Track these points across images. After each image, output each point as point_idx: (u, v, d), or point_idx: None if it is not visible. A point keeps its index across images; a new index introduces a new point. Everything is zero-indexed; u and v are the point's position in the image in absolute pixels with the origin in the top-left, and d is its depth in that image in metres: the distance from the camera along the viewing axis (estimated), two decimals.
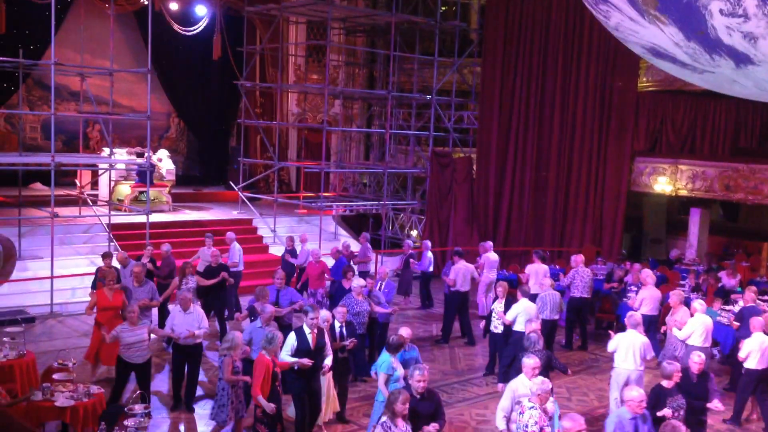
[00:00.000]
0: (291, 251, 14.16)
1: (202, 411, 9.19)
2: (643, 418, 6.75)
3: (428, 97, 19.67)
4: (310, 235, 17.34)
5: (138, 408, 7.46)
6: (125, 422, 7.13)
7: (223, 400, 8.03)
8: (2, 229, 14.71)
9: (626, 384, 8.95)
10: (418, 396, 6.72)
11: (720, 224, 20.04)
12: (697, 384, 8.00)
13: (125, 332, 8.70)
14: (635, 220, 20.11)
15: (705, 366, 8.16)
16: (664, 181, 17.39)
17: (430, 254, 15.01)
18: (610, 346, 9.26)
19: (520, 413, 6.65)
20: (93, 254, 14.69)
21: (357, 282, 10.55)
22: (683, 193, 17.44)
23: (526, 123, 18.71)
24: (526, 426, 6.48)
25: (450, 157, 19.42)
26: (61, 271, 13.72)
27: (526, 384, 7.03)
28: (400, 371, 7.86)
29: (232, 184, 20.18)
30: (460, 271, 12.94)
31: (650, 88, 17.83)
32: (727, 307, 12.09)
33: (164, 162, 19.10)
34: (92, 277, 11.79)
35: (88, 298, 12.06)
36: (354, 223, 20.67)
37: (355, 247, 15.67)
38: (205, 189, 22.35)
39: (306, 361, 7.99)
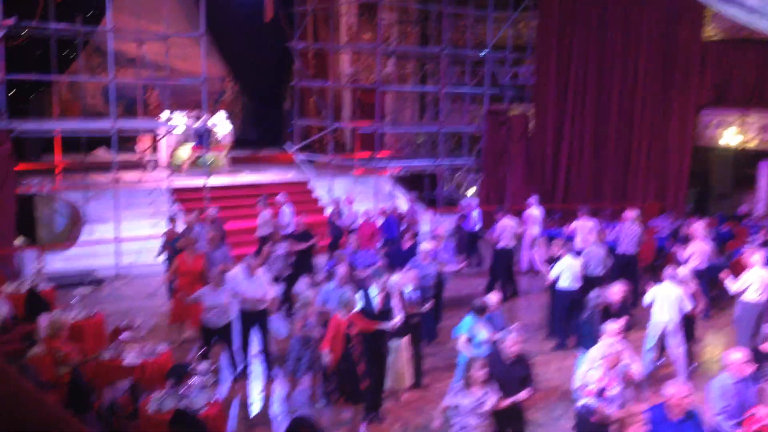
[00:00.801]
0: (338, 213, 14.13)
1: (275, 373, 9.28)
2: (747, 380, 6.34)
3: (483, 53, 19.28)
4: (365, 196, 17.39)
5: (202, 367, 7.65)
6: (190, 381, 7.32)
7: (293, 355, 8.18)
8: (69, 193, 15.16)
9: (663, 336, 9.04)
10: (510, 361, 6.59)
11: None
12: None
13: (207, 295, 8.80)
14: (701, 174, 19.46)
15: None
16: (731, 134, 16.78)
17: (476, 213, 14.87)
18: (646, 299, 9.27)
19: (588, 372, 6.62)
20: (155, 217, 15.02)
21: (424, 245, 10.43)
22: (751, 145, 16.79)
23: (585, 77, 18.20)
24: (587, 384, 6.43)
25: (506, 114, 19.09)
26: (126, 234, 14.08)
27: (602, 347, 6.88)
28: (483, 335, 7.74)
29: (288, 146, 20.29)
30: (503, 228, 12.92)
31: (716, 38, 17.09)
32: None
33: (221, 125, 19.29)
34: (156, 240, 12.05)
35: (152, 261, 12.43)
36: (410, 183, 20.58)
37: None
38: (261, 152, 22.53)
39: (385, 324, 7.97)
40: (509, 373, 6.51)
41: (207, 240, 10.74)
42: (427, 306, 9.23)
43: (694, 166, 18.01)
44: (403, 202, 15.94)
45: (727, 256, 12.68)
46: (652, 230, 14.32)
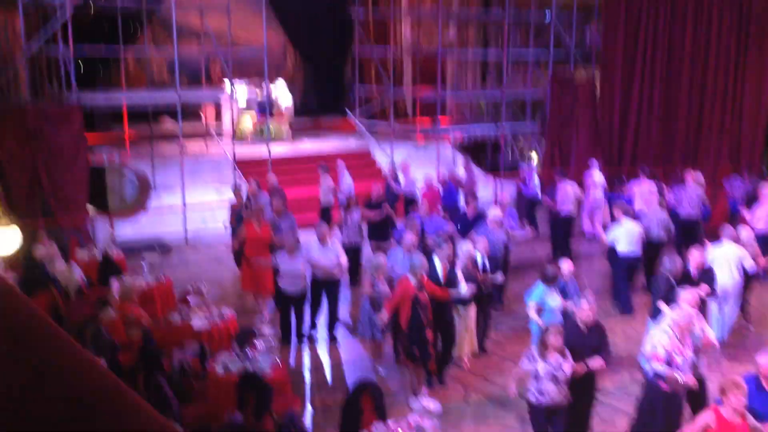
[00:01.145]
0: (394, 179, 14.02)
1: (342, 338, 9.44)
2: None
3: (547, 15, 18.77)
4: (427, 163, 17.28)
5: (267, 330, 7.79)
6: (256, 344, 7.45)
7: (364, 317, 8.24)
8: (137, 163, 15.55)
9: (724, 298, 8.88)
10: (585, 328, 6.48)
11: None
12: None
13: (283, 262, 8.87)
14: None
15: None
16: None
17: (536, 179, 14.63)
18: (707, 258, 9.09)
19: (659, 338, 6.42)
20: (220, 185, 15.28)
21: (493, 212, 10.26)
22: None
23: (655, 37, 17.52)
24: (655, 347, 6.25)
25: (571, 77, 18.59)
26: (192, 202, 14.37)
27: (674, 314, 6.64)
28: (554, 302, 7.65)
29: (349, 114, 20.28)
30: (564, 193, 12.79)
31: None
32: None
33: (282, 94, 19.40)
34: (221, 209, 12.22)
35: (219, 227, 12.66)
36: (472, 150, 20.34)
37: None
38: (322, 119, 22.60)
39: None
40: (584, 341, 6.38)
41: (273, 209, 10.71)
42: (500, 277, 9.08)
43: None
44: (461, 169, 15.73)
45: None
46: (725, 192, 13.78)
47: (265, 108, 16.39)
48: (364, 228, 11.37)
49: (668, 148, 17.68)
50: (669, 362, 6.20)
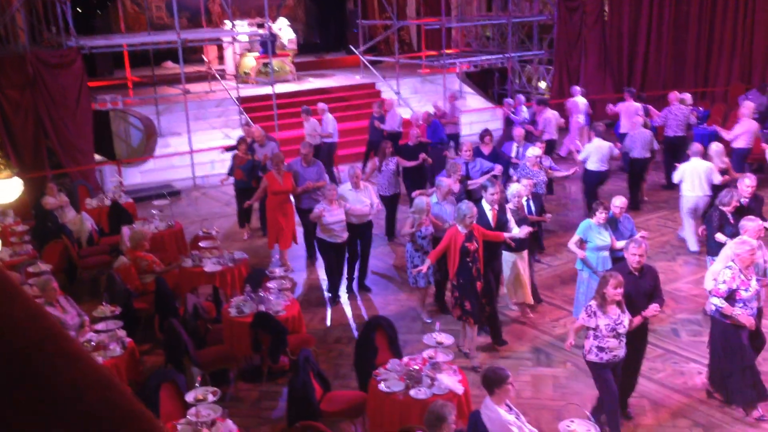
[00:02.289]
0: (379, 117, 13.42)
1: (377, 288, 9.27)
2: None
3: None
4: (434, 95, 17.04)
5: (279, 271, 7.82)
6: (268, 284, 7.50)
7: (409, 263, 8.09)
8: (140, 108, 15.42)
9: (695, 210, 9.38)
10: (636, 273, 6.00)
11: None
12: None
13: (328, 212, 8.54)
14: None
15: None
16: None
17: (525, 108, 14.37)
18: (676, 176, 9.54)
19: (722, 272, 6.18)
20: (226, 127, 15.17)
21: (532, 151, 9.69)
22: None
23: None
24: (718, 283, 6.09)
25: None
26: (199, 146, 14.30)
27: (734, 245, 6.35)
28: (600, 241, 7.32)
29: (353, 49, 19.93)
30: (549, 120, 13.04)
31: None
32: None
33: (284, 31, 19.02)
34: (228, 157, 11.97)
35: (226, 172, 12.58)
36: (479, 80, 20.02)
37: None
38: (326, 55, 22.25)
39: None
40: (637, 286, 5.92)
41: (302, 157, 9.91)
42: (548, 216, 8.78)
43: None
44: (441, 102, 14.83)
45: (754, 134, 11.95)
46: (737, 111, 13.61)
47: (268, 46, 16.08)
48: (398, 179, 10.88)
49: (679, 70, 17.32)
50: (731, 296, 5.99)
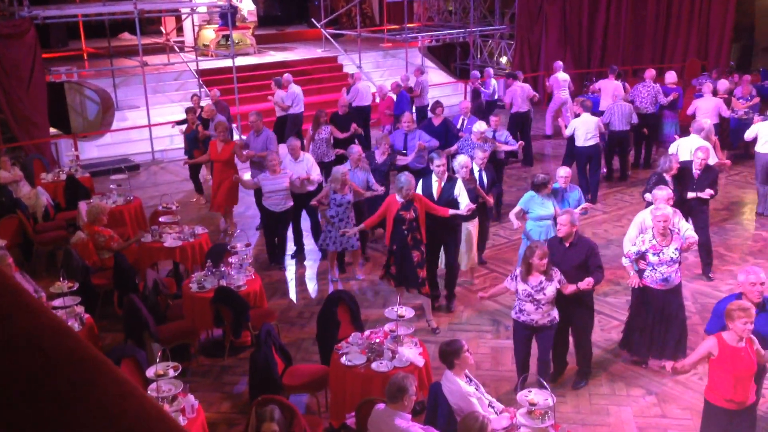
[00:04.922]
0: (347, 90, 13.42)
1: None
2: None
3: None
4: (396, 70, 16.99)
5: (240, 246, 7.78)
6: (229, 259, 7.46)
7: (324, 228, 8.33)
8: (97, 80, 15.08)
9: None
10: (566, 244, 6.12)
11: None
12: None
13: (266, 180, 8.70)
14: (745, 28, 18.52)
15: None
16: None
17: (494, 81, 14.41)
18: (671, 150, 9.56)
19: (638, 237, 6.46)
20: (185, 101, 14.91)
21: (478, 126, 9.69)
22: None
23: None
24: (637, 249, 6.30)
25: None
26: (158, 119, 14.06)
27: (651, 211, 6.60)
28: (542, 211, 7.39)
29: (314, 22, 19.72)
30: (515, 93, 13.10)
31: None
32: None
33: (245, 3, 18.74)
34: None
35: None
36: (441, 54, 19.99)
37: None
38: (287, 28, 21.98)
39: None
40: (565, 257, 6.06)
41: (252, 125, 9.99)
42: (491, 200, 8.61)
43: (739, 19, 17.12)
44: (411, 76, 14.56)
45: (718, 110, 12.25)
46: (693, 89, 13.87)
47: (228, 18, 15.81)
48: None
49: (638, 46, 17.54)
50: (640, 259, 6.27)
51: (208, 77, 15.56)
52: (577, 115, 10.94)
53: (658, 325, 6.38)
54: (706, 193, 8.05)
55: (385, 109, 12.75)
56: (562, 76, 14.33)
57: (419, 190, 7.38)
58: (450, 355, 4.92)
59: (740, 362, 4.66)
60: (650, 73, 12.63)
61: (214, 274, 7.19)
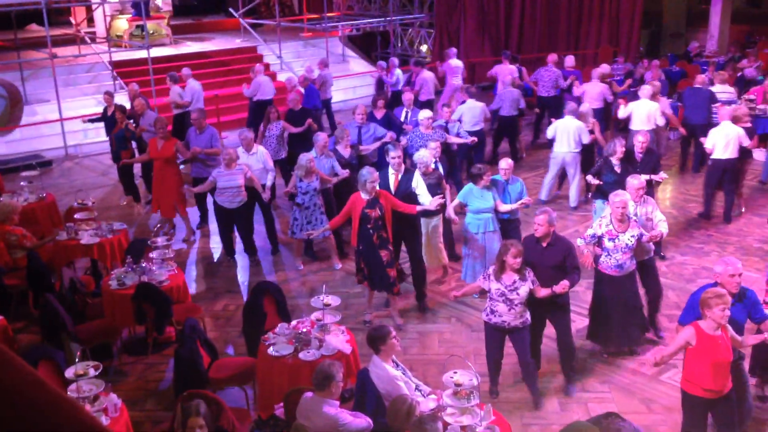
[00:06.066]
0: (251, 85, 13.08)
1: (263, 253, 9.18)
2: None
3: None
4: (317, 60, 16.85)
5: (161, 241, 7.61)
6: (150, 255, 7.29)
7: (292, 217, 8.38)
8: (3, 74, 14.41)
9: (563, 166, 10.00)
10: (543, 244, 5.95)
11: (743, 12, 19.17)
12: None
13: (220, 176, 8.41)
14: (654, 14, 19.26)
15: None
16: None
17: (398, 71, 14.13)
18: (549, 132, 10.14)
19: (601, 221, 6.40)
20: (98, 93, 14.42)
21: (424, 114, 9.55)
22: None
23: None
24: (593, 233, 6.33)
25: None
26: (70, 113, 13.56)
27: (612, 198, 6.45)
28: (481, 203, 7.28)
29: (232, 11, 19.38)
30: (424, 81, 13.26)
31: None
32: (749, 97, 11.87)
33: None
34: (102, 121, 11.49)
35: (102, 139, 12.06)
36: (361, 43, 19.99)
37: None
38: (204, 18, 21.53)
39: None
40: (542, 257, 5.90)
41: (194, 122, 9.61)
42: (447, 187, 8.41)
43: (647, 6, 17.80)
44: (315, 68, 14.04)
45: (678, 96, 12.85)
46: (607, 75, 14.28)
47: (141, 8, 15.35)
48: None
49: (553, 33, 17.99)
50: (591, 239, 6.31)
51: (122, 69, 15.10)
52: (462, 102, 11.13)
53: (617, 312, 6.31)
54: (660, 177, 8.24)
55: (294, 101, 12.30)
56: (455, 63, 14.45)
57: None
58: (377, 340, 4.96)
59: (718, 350, 4.64)
60: (552, 57, 13.10)
61: (135, 270, 7.01)
